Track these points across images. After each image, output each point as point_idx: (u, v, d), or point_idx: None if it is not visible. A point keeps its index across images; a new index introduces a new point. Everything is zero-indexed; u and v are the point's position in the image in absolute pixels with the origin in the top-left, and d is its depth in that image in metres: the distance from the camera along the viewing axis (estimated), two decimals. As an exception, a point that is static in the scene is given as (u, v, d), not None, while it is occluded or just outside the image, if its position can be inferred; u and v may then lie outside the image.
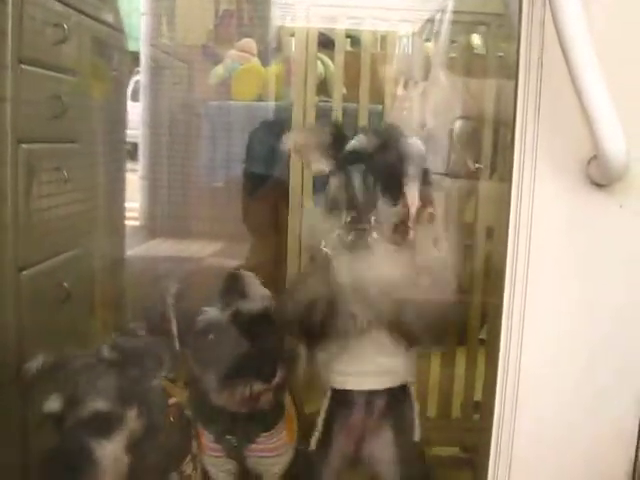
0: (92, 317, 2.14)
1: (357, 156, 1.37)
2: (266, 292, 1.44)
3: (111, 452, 1.28)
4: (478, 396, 2.04)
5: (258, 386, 1.35)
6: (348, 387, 1.47)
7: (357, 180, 1.35)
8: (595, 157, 1.04)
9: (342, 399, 1.48)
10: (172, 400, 1.49)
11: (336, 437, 1.50)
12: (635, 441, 1.12)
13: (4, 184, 1.57)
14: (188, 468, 1.46)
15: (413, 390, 1.52)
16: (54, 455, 1.25)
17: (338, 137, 1.41)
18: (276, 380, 1.36)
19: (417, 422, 1.50)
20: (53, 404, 1.28)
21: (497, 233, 1.97)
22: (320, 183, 2.00)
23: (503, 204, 1.97)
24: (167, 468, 1.43)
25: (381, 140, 1.36)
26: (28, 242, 1.65)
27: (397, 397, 1.50)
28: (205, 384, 1.40)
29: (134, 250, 3.05)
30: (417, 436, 1.50)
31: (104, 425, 1.29)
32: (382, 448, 1.50)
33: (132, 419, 1.32)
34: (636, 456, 1.13)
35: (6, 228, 1.59)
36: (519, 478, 1.15)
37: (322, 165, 1.42)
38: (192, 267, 3.13)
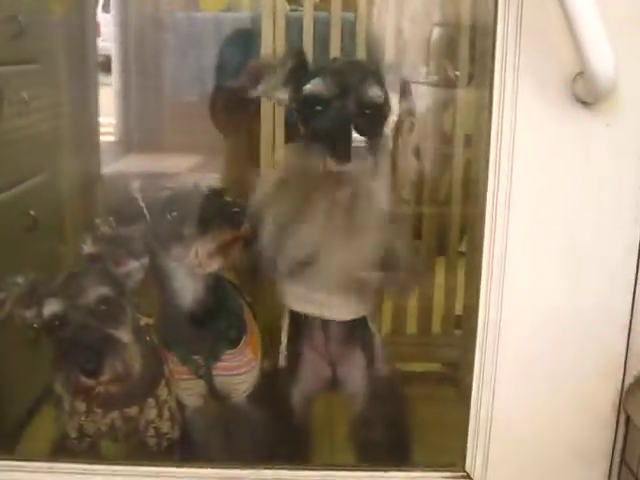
0: (62, 243, 2.09)
1: (314, 101, 1.31)
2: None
3: (127, 336, 1.29)
4: (459, 310, 2.03)
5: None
6: (305, 312, 1.47)
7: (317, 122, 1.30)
8: (581, 73, 0.99)
9: (301, 321, 1.49)
10: (143, 321, 1.47)
11: (301, 358, 1.51)
12: (622, 369, 1.11)
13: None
14: (163, 393, 1.45)
15: (373, 324, 1.50)
16: (73, 345, 1.24)
17: (299, 67, 1.35)
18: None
19: (381, 354, 1.50)
20: (52, 306, 1.26)
21: (476, 141, 1.93)
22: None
23: (482, 112, 1.93)
24: (144, 392, 1.42)
25: (337, 87, 1.29)
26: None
27: (358, 327, 1.49)
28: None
29: (109, 167, 3.00)
30: (383, 369, 1.50)
31: (112, 310, 1.29)
32: (347, 375, 1.51)
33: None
34: (622, 386, 1.12)
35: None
36: (503, 394, 1.13)
37: (283, 95, 1.37)
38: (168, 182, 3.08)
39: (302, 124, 1.35)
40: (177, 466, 1.23)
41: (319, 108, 1.29)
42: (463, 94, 2.06)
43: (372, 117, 1.33)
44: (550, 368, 1.13)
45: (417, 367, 2.02)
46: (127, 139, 3.40)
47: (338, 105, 1.28)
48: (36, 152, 1.90)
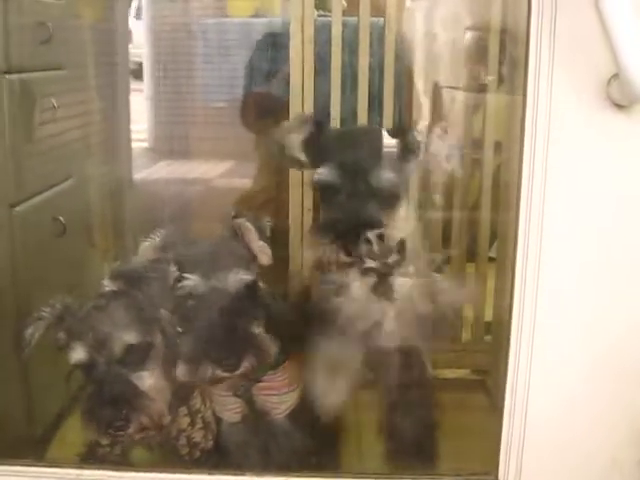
0: (92, 248, 2.10)
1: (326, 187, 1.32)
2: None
3: (153, 381, 1.26)
4: (488, 317, 2.01)
5: None
6: None
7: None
8: (616, 76, 0.97)
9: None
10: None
11: None
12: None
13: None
14: (197, 402, 1.44)
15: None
16: (100, 399, 1.22)
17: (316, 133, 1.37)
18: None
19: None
20: (78, 354, 1.24)
21: (506, 146, 1.91)
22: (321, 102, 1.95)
23: (513, 116, 1.92)
24: (178, 402, 1.40)
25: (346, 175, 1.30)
26: (19, 176, 1.59)
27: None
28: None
29: (141, 173, 3.02)
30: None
31: (138, 356, 1.26)
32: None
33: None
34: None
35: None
36: (538, 401, 1.12)
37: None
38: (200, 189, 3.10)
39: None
40: (208, 473, 1.22)
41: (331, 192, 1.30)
42: (493, 98, 2.04)
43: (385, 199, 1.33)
44: (587, 373, 1.11)
45: (447, 374, 2.00)
46: (159, 145, 3.43)
47: (348, 193, 1.29)
48: (65, 158, 1.91)
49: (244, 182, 2.49)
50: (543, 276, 1.08)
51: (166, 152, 3.39)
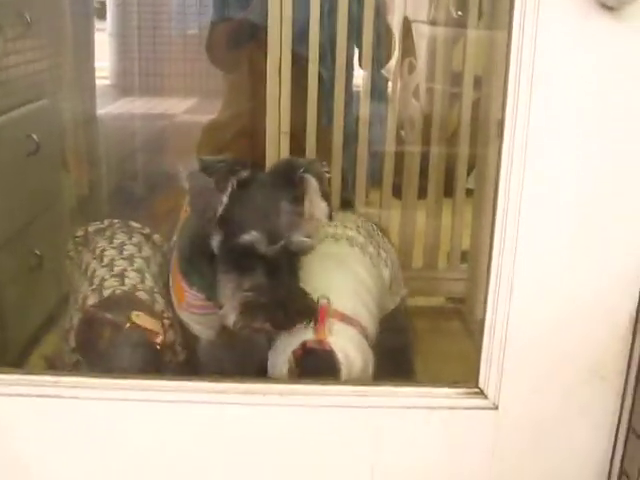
0: (64, 172, 2.08)
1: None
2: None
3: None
4: (465, 245, 2.03)
5: None
6: None
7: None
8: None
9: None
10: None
11: None
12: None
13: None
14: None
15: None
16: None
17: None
18: None
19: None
20: None
21: (486, 80, 1.91)
22: (300, 29, 1.91)
23: (493, 50, 1.91)
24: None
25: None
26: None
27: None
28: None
29: (105, 109, 2.99)
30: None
31: None
32: None
33: None
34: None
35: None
36: (518, 309, 1.12)
37: None
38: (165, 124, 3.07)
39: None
40: (188, 380, 1.21)
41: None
42: (473, 34, 2.03)
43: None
44: (566, 279, 1.11)
45: (422, 302, 2.01)
46: (121, 82, 3.37)
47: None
48: (38, 82, 1.92)
49: (209, 118, 2.45)
50: (525, 198, 1.07)
51: (128, 89, 3.34)
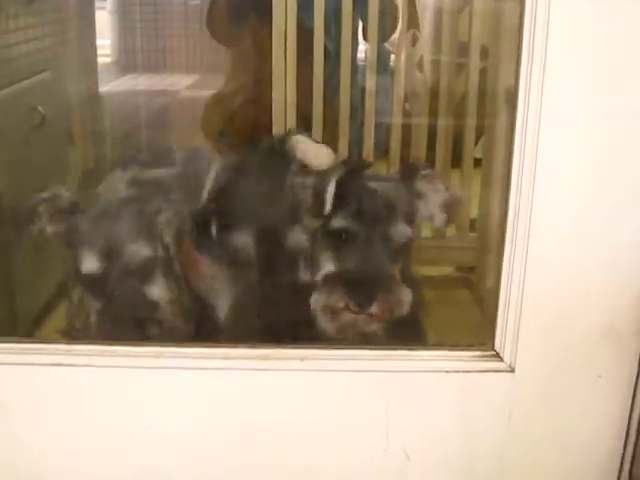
0: (70, 146, 2.08)
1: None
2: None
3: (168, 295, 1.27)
4: (473, 214, 2.02)
5: None
6: None
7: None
8: None
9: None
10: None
11: None
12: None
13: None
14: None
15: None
16: (116, 313, 1.23)
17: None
18: None
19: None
20: (90, 264, 1.23)
21: (493, 48, 1.89)
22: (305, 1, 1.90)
23: (499, 18, 1.89)
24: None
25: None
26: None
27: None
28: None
29: (108, 86, 2.98)
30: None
31: (151, 269, 1.26)
32: None
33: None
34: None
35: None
36: (534, 272, 1.11)
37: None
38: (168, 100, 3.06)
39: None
40: (201, 346, 1.21)
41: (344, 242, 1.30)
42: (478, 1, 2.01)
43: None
44: (581, 239, 1.10)
45: (431, 271, 2.01)
46: (123, 59, 3.36)
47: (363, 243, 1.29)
48: (42, 57, 1.92)
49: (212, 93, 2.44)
50: (540, 168, 1.07)
51: (130, 66, 3.32)
